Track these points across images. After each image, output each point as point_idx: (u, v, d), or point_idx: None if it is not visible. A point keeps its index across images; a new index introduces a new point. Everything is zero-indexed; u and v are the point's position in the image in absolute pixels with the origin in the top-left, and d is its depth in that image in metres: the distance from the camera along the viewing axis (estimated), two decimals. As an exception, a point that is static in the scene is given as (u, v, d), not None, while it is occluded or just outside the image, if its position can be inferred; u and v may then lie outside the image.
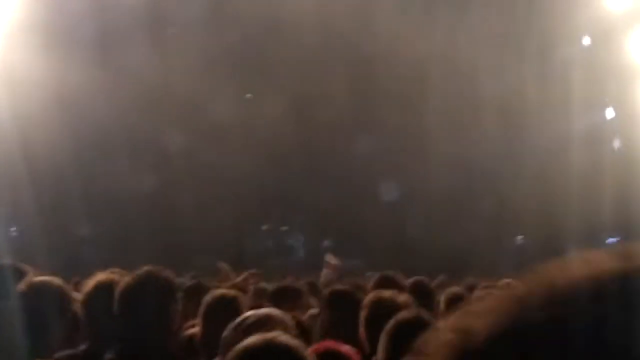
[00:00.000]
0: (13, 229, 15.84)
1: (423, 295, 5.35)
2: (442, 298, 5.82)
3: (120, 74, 16.68)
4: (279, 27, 17.50)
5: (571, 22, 15.89)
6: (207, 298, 3.88)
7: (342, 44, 17.61)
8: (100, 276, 3.60)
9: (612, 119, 17.36)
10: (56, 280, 3.35)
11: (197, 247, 17.57)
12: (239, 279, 7.35)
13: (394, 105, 17.86)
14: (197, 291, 4.90)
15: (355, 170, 18.23)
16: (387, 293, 4.06)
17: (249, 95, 19.14)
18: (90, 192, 16.36)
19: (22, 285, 3.22)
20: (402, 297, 3.99)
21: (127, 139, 16.92)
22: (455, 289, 6.70)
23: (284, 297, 5.60)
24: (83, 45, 16.13)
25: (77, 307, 3.50)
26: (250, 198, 18.13)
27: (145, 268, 3.23)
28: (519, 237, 18.21)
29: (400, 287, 5.10)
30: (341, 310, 4.40)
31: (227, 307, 3.65)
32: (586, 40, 17.14)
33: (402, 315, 3.22)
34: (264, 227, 18.46)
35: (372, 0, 17.28)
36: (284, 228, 18.48)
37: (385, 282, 5.43)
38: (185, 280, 6.74)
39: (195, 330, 3.93)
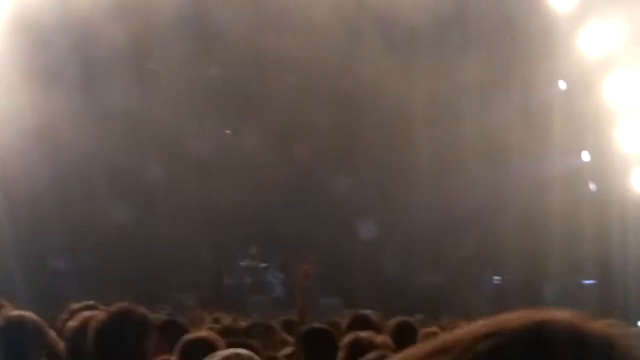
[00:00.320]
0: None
1: (406, 336, 5.33)
2: (418, 337, 5.81)
3: (101, 106, 16.70)
4: (264, 62, 17.67)
5: (548, 66, 16.20)
6: (185, 338, 3.86)
7: (325, 80, 17.78)
8: (84, 314, 3.57)
9: (588, 162, 17.59)
10: (32, 315, 3.32)
11: (175, 282, 17.44)
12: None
13: (376, 142, 18.01)
14: (172, 328, 4.89)
15: (336, 207, 18.27)
16: (365, 334, 4.04)
17: (228, 131, 19.20)
18: (67, 224, 16.23)
19: None
20: (380, 338, 3.98)
21: (105, 171, 16.88)
22: (431, 329, 6.71)
23: (257, 334, 5.57)
24: (65, 79, 16.13)
25: (53, 342, 3.46)
26: (230, 233, 18.06)
27: (120, 305, 3.21)
28: (497, 277, 18.27)
29: (375, 327, 5.10)
30: (317, 349, 4.39)
31: (204, 350, 3.64)
32: (562, 85, 17.45)
33: (369, 357, 3.23)
34: (243, 263, 18.34)
35: (357, 38, 17.49)
36: (263, 265, 18.37)
37: (359, 322, 5.41)
38: (160, 316, 6.69)
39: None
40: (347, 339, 4.05)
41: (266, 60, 17.52)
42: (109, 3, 15.65)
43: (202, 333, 4.18)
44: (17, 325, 3.17)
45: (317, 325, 5.18)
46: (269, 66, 17.77)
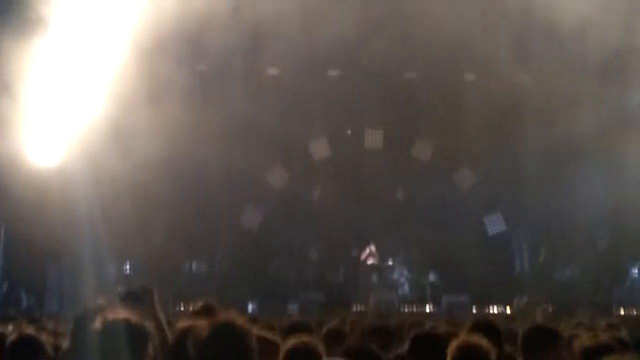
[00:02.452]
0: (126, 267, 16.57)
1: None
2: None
3: (232, 116, 17.19)
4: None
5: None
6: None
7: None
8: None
9: None
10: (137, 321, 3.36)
11: (304, 281, 17.81)
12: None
13: (496, 137, 17.61)
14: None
15: (462, 202, 18.11)
16: (474, 338, 3.90)
17: (349, 132, 19.36)
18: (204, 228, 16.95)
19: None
20: (486, 343, 3.83)
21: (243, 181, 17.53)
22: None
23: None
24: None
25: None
26: (354, 233, 18.19)
27: (221, 320, 3.21)
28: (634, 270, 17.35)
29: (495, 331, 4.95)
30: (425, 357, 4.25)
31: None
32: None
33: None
34: (369, 262, 18.38)
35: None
36: (389, 263, 18.35)
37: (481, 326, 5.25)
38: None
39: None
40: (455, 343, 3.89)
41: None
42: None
43: (305, 338, 4.21)
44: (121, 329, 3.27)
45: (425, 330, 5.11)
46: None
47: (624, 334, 5.46)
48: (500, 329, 5.27)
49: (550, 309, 10.53)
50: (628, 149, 16.07)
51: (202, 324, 3.66)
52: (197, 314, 5.27)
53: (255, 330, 4.64)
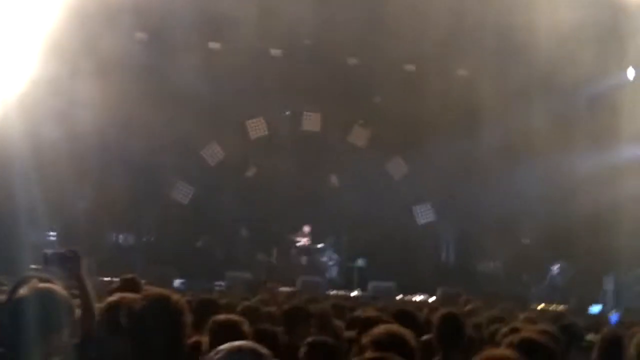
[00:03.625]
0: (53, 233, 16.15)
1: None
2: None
3: (169, 88, 16.94)
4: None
5: (618, 50, 15.74)
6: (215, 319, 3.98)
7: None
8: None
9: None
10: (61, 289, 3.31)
11: (231, 260, 17.75)
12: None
13: (441, 128, 17.87)
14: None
15: (395, 191, 18.36)
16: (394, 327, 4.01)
17: (287, 112, 19.29)
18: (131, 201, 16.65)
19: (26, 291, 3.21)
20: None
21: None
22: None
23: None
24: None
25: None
26: (287, 213, 18.19)
27: (155, 292, 3.20)
28: (556, 267, 17.94)
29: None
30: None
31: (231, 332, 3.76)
32: (631, 71, 16.93)
33: None
34: (298, 244, 18.43)
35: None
36: (319, 245, 18.46)
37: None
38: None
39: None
40: None
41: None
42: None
43: (230, 316, 4.25)
44: (48, 296, 3.20)
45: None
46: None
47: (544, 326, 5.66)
48: (418, 318, 5.40)
49: (470, 300, 10.82)
50: (559, 148, 16.58)
51: (134, 296, 3.62)
52: (120, 289, 5.21)
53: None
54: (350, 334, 5.38)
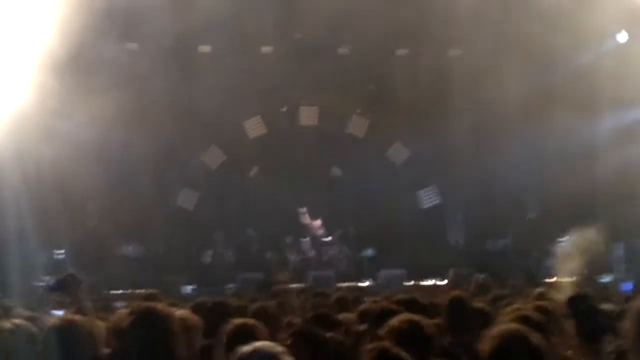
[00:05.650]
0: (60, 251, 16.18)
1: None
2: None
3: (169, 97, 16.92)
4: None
5: (605, 16, 15.61)
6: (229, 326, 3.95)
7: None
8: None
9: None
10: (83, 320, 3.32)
11: (241, 262, 17.76)
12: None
13: (436, 113, 17.81)
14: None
15: (394, 177, 18.33)
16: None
17: (283, 109, 19.23)
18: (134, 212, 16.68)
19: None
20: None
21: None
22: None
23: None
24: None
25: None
26: (290, 209, 18.19)
27: (141, 305, 3.16)
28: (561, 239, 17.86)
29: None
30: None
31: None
32: (621, 36, 16.80)
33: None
34: (304, 239, 18.42)
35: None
36: (327, 239, 18.43)
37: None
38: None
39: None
40: None
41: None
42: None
43: (245, 320, 4.23)
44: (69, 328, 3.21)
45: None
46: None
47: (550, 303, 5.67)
48: (424, 304, 5.42)
49: (481, 279, 10.81)
50: (555, 121, 16.49)
51: (122, 312, 3.62)
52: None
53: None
54: (359, 327, 5.36)
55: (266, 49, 18.31)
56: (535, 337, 3.22)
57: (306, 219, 18.02)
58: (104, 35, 15.42)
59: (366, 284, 16.46)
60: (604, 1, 15.18)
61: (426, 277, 16.20)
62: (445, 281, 15.24)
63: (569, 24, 15.02)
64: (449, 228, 19.11)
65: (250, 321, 4.32)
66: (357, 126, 18.96)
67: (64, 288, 4.28)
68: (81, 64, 15.12)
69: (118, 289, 14.59)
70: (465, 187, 18.12)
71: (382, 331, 4.01)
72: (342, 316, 5.97)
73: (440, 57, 17.71)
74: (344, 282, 16.28)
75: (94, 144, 15.44)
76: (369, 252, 17.92)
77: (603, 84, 15.75)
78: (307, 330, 4.33)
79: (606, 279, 15.11)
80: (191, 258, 17.25)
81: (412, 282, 15.86)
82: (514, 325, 3.50)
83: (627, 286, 12.68)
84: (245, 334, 3.87)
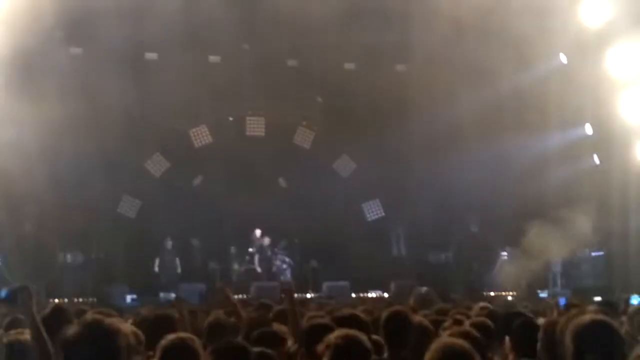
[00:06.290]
0: None
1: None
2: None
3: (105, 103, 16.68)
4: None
5: (548, 39, 16.11)
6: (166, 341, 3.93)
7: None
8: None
9: (591, 135, 17.50)
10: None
11: (184, 271, 17.56)
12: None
13: (371, 124, 18.01)
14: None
15: (340, 189, 18.43)
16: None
17: (231, 118, 19.20)
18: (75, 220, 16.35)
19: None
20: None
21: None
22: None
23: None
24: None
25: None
26: (235, 220, 18.11)
27: (90, 318, 3.13)
28: (504, 253, 18.27)
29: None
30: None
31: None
32: (563, 57, 17.34)
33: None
34: (251, 249, 18.35)
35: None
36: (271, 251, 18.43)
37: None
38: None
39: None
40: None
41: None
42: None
43: (182, 335, 4.19)
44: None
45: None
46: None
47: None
48: (363, 320, 5.43)
49: (423, 292, 10.94)
50: (501, 138, 16.86)
51: (71, 327, 3.56)
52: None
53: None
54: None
55: (214, 58, 18.25)
56: (474, 353, 3.30)
57: (255, 231, 18.05)
58: (49, 40, 15.11)
59: (309, 295, 16.48)
60: (548, 23, 15.66)
61: (369, 289, 16.32)
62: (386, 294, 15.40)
63: (514, 44, 15.44)
64: (393, 240, 19.32)
65: (186, 335, 4.27)
66: (303, 138, 19.04)
67: (14, 300, 4.18)
68: (25, 69, 14.81)
69: (57, 298, 14.27)
70: (409, 201, 18.35)
71: (320, 347, 4.02)
72: (283, 331, 5.95)
73: (388, 72, 17.95)
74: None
75: (35, 149, 15.09)
76: (313, 263, 17.97)
77: (547, 102, 16.20)
78: (229, 345, 4.31)
79: (543, 293, 15.51)
80: (133, 266, 16.98)
81: (353, 295, 15.95)
82: (453, 340, 3.57)
83: (561, 301, 13.01)
84: (181, 349, 3.86)
